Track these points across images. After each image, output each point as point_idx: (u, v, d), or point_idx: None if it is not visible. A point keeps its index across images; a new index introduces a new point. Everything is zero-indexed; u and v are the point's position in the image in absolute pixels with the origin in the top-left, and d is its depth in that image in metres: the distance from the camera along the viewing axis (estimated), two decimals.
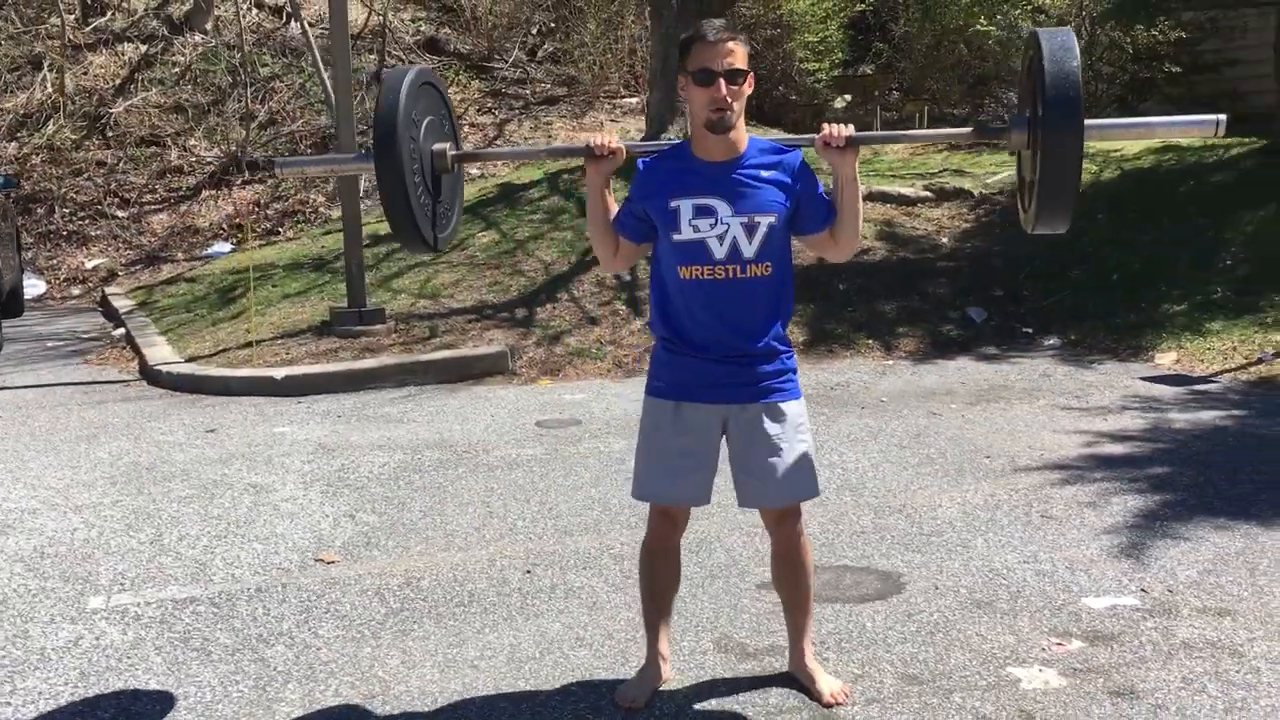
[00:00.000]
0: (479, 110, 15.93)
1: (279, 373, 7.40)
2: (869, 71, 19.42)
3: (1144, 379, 7.06)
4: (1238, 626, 3.54)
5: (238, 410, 7.00)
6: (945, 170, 11.81)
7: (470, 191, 12.05)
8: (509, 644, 3.61)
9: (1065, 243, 9.50)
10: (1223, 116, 2.94)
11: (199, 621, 3.84)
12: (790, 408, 3.11)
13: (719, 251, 2.99)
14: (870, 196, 10.87)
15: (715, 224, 2.98)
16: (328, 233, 12.18)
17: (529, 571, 4.23)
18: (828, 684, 3.19)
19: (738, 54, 2.92)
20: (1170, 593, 3.82)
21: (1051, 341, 8.21)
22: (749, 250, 3.00)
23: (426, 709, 3.20)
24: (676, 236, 3.02)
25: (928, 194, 10.97)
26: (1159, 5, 11.24)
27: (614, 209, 3.17)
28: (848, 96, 18.59)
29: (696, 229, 2.99)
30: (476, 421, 6.56)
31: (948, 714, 3.06)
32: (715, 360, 3.07)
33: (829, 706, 3.13)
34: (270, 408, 7.04)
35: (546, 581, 4.13)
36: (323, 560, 4.41)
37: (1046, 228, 2.95)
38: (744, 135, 3.01)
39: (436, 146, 3.27)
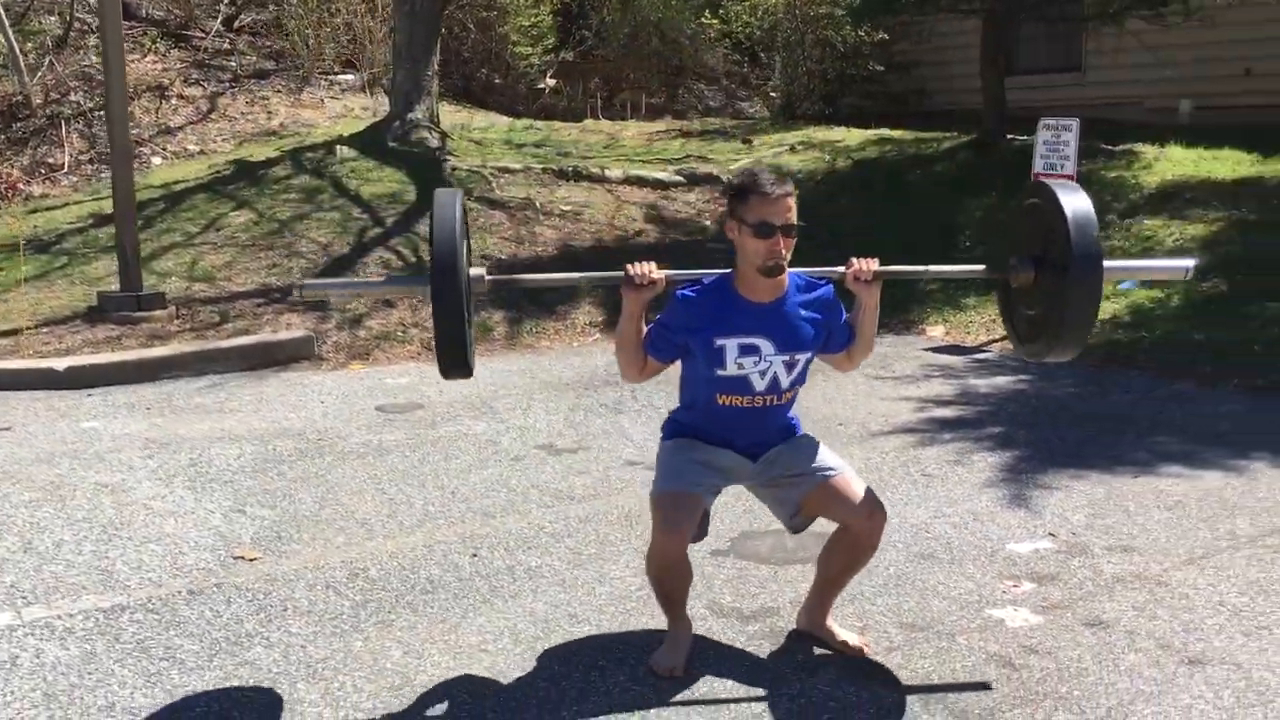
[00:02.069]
0: (185, 82, 14.91)
1: (60, 364, 6.72)
2: (569, 58, 19.72)
3: (928, 350, 7.73)
4: (1148, 560, 4.04)
5: (21, 406, 6.30)
6: (689, 156, 12.29)
7: (199, 168, 11.35)
8: (505, 626, 3.55)
9: (820, 227, 10.17)
10: (1191, 263, 3.39)
11: (146, 629, 3.52)
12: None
13: (759, 385, 3.17)
14: (627, 180, 11.18)
15: (759, 361, 3.14)
16: (33, 210, 11.06)
17: (475, 555, 4.15)
18: (851, 637, 3.38)
19: (793, 208, 3.06)
20: (1074, 535, 4.30)
21: None
22: (786, 382, 3.20)
23: (465, 695, 3.12)
24: (721, 372, 3.15)
25: (679, 178, 11.38)
26: (891, 6, 12.16)
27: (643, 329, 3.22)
28: (551, 81, 18.81)
29: (741, 366, 3.14)
30: (309, 409, 6.26)
31: (962, 654, 3.33)
32: (744, 450, 3.29)
33: (859, 654, 3.32)
34: (59, 401, 6.39)
35: (499, 564, 4.07)
36: (243, 558, 4.13)
37: (1056, 359, 3.27)
38: (786, 274, 3.14)
39: (474, 272, 3.11)
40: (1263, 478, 4.93)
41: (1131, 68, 13.13)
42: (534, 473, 5.14)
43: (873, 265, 3.17)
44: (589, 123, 15.54)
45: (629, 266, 3.09)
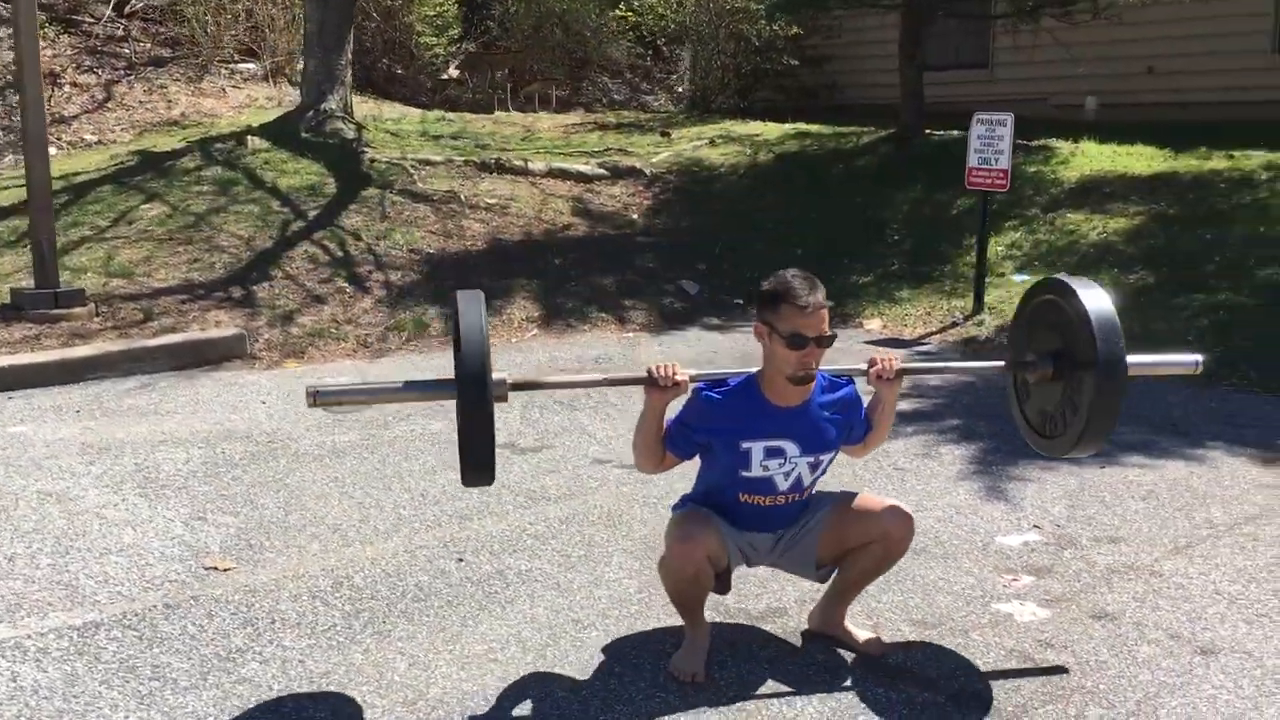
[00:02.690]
0: (78, 69, 14.28)
1: None
2: (473, 49, 19.44)
3: (869, 343, 7.77)
4: (1136, 550, 4.08)
5: None
6: (609, 149, 12.19)
7: (99, 159, 10.87)
8: (509, 634, 3.43)
9: (746, 220, 10.19)
10: (1199, 358, 3.42)
11: (127, 647, 3.31)
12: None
13: (783, 485, 3.14)
14: (551, 173, 11.03)
15: (784, 463, 3.10)
16: None
17: (461, 560, 4.01)
18: (869, 636, 3.33)
19: (827, 319, 3.01)
20: (1059, 526, 4.33)
21: None
22: (808, 481, 3.18)
23: (483, 708, 3.00)
24: (745, 473, 3.11)
25: (603, 171, 11.28)
26: (813, 0, 12.22)
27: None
28: (454, 72, 18.54)
29: (766, 468, 3.10)
30: (251, 410, 6.01)
31: (980, 650, 3.31)
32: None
33: (880, 655, 3.28)
34: None
35: (487, 569, 3.94)
36: (216, 568, 3.92)
37: (1082, 453, 3.29)
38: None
39: (495, 377, 2.93)
40: (1223, 466, 5.04)
41: (1038, 64, 13.42)
42: (502, 473, 4.96)
43: (895, 363, 3.16)
44: (501, 115, 15.33)
45: (652, 367, 3.02)
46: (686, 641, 3.25)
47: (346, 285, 8.18)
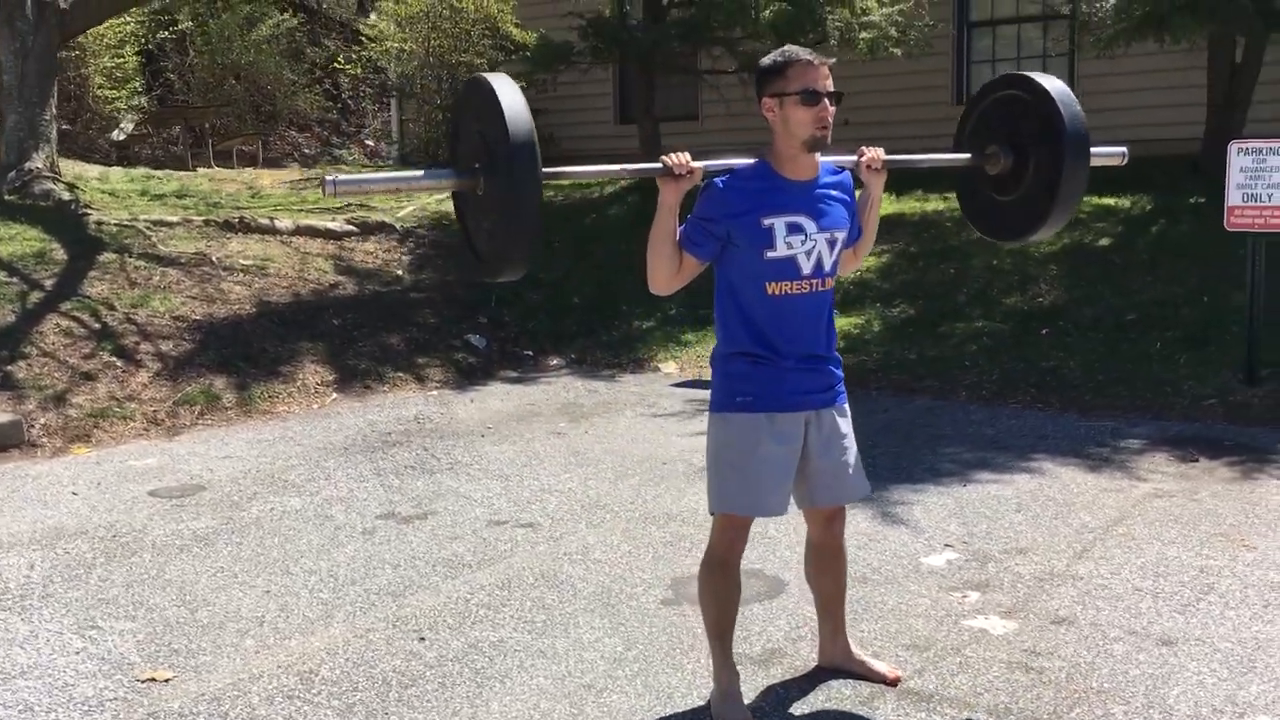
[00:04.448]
0: None
1: None
2: (144, 104, 18.32)
3: (676, 385, 7.94)
4: (1045, 558, 4.42)
5: None
6: (350, 205, 11.79)
7: None
8: (528, 709, 3.29)
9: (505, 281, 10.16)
10: (1124, 149, 3.74)
11: None
12: (849, 409, 3.32)
13: (806, 267, 3.12)
14: (300, 231, 10.58)
15: (805, 240, 3.10)
16: None
17: (423, 639, 3.78)
18: (883, 666, 3.43)
19: (831, 76, 3.08)
20: (966, 543, 4.61)
21: (557, 361, 8.79)
22: (828, 265, 3.17)
23: None
24: (771, 254, 3.08)
25: (352, 228, 10.92)
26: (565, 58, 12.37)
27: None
28: (127, 126, 17.38)
29: (790, 245, 3.09)
30: (64, 503, 5.38)
31: (983, 667, 3.49)
32: (799, 368, 3.17)
33: (896, 683, 3.38)
34: None
35: (457, 644, 3.74)
36: (154, 679, 3.50)
37: (1051, 231, 3.51)
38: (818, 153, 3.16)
39: None
40: (1063, 476, 5.52)
41: (739, 116, 14.22)
42: (400, 545, 4.75)
43: (880, 153, 3.26)
44: (207, 171, 14.51)
45: (667, 157, 3.00)
46: (722, 687, 3.22)
47: (115, 359, 7.47)
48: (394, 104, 16.94)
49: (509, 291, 9.81)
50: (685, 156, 3.03)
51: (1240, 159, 6.83)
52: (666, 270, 3.12)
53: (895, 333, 8.46)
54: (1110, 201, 9.95)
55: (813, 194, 3.13)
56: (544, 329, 9.30)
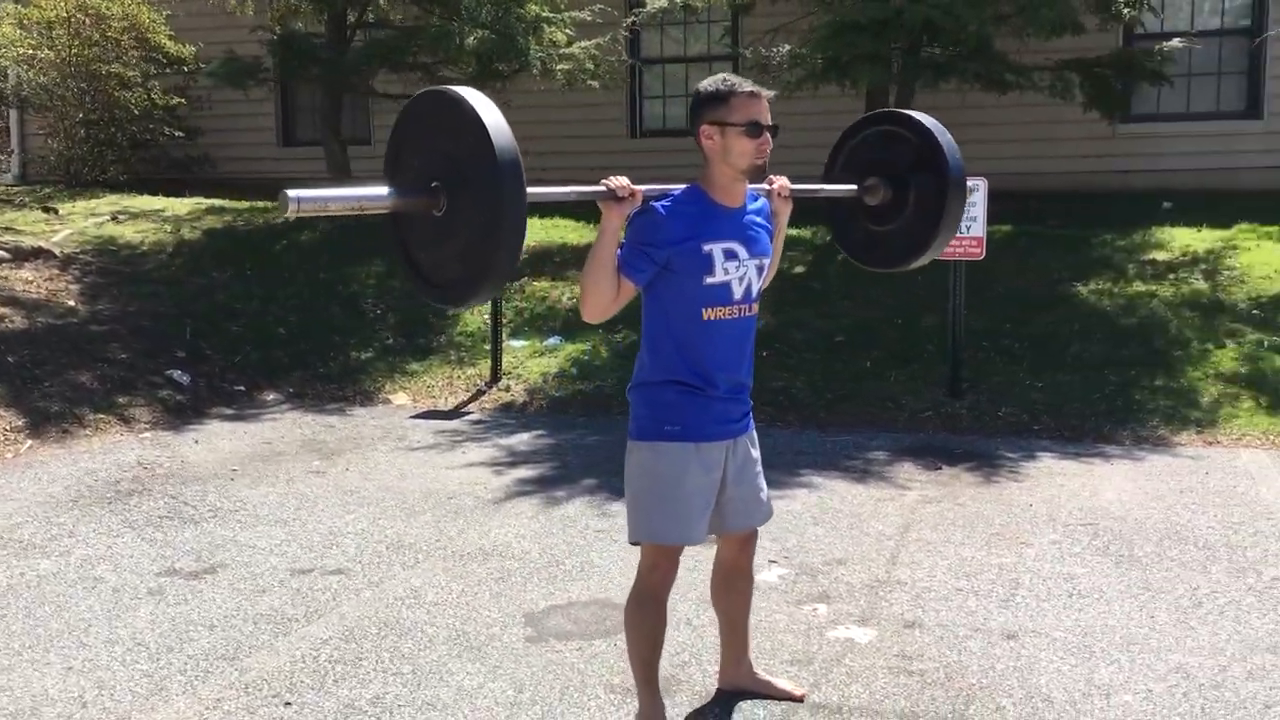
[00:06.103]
0: None
1: None
2: None
3: (416, 417, 7.66)
4: (865, 567, 4.65)
5: None
6: None
7: None
8: None
9: (205, 303, 9.47)
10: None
11: None
12: (756, 436, 3.37)
13: (738, 292, 3.17)
14: None
15: (739, 266, 3.15)
16: None
17: (289, 704, 3.44)
18: (787, 683, 3.49)
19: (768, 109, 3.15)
20: (789, 557, 4.77)
21: (275, 396, 8.24)
22: (755, 290, 3.24)
23: None
24: (710, 279, 3.09)
25: (3, 254, 9.74)
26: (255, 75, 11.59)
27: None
28: None
29: (726, 271, 3.12)
30: None
31: (866, 676, 3.64)
32: (724, 398, 3.19)
33: (802, 699, 3.45)
34: None
35: (329, 706, 3.45)
36: None
37: (930, 257, 3.70)
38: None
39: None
40: (836, 488, 5.82)
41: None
42: (201, 603, 4.28)
43: (787, 182, 3.37)
44: None
45: (608, 180, 2.95)
46: None
47: None
48: (14, 115, 15.28)
49: (205, 323, 9.13)
50: (625, 180, 2.97)
51: None
52: (606, 295, 3.04)
53: (624, 360, 8.60)
54: (793, 232, 10.65)
55: (742, 221, 3.19)
56: (252, 362, 8.70)
